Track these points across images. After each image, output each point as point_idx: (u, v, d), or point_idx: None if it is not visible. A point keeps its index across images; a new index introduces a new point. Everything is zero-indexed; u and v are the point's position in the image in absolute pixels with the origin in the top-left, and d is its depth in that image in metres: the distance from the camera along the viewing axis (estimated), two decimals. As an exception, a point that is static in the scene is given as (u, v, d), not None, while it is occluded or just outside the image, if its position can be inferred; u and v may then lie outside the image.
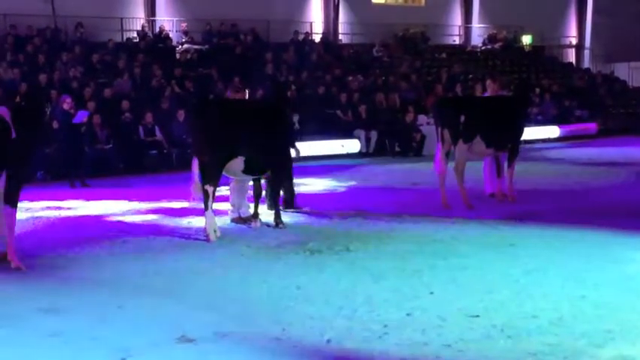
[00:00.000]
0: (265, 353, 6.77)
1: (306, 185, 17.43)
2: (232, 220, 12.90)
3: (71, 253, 10.90)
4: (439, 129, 14.04)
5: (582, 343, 6.79)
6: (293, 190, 13.95)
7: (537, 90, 30.67)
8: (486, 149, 14.21)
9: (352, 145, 25.02)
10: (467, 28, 38.52)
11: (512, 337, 6.96)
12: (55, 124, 18.77)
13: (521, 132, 15.05)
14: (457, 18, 38.54)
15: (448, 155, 14.06)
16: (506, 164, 14.62)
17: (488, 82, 15.95)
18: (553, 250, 10.43)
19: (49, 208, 14.79)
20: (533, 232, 11.74)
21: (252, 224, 12.55)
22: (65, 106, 18.27)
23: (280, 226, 12.44)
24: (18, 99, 20.41)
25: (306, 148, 22.39)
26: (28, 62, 24.19)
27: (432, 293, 8.51)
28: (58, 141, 18.96)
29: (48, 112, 17.62)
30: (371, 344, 6.91)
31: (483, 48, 36.86)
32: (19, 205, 10.33)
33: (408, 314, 7.73)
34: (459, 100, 15.86)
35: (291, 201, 13.93)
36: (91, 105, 20.85)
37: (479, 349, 6.71)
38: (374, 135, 25.26)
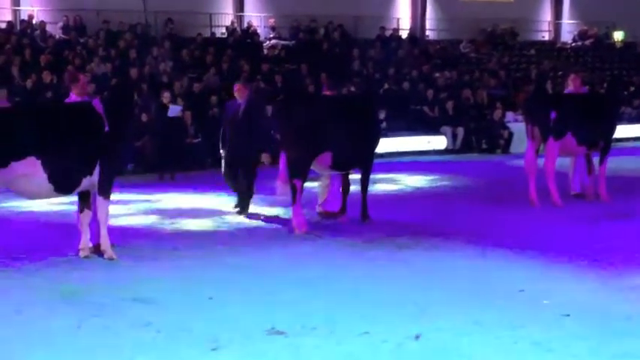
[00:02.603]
0: (354, 347, 6.76)
1: (393, 182, 17.37)
2: (320, 215, 12.91)
3: (159, 245, 11.05)
4: (529, 126, 13.86)
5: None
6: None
7: (632, 88, 29.94)
8: (577, 147, 13.96)
9: (438, 142, 24.80)
10: (557, 24, 37.83)
11: None
12: (144, 117, 19.10)
13: (613, 130, 14.75)
14: (547, 14, 37.89)
15: (538, 152, 13.88)
16: (597, 162, 14.35)
17: (572, 77, 15.68)
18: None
19: (138, 200, 15.02)
20: None
21: (339, 219, 12.56)
22: (164, 100, 18.69)
23: (367, 221, 12.42)
24: (108, 93, 20.80)
25: (392, 144, 22.43)
26: (120, 57, 24.60)
27: (522, 291, 8.41)
28: (151, 134, 19.28)
29: (138, 106, 18.07)
30: (460, 339, 6.87)
31: (573, 44, 36.16)
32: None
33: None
34: (550, 97, 15.62)
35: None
36: (181, 100, 21.18)
37: None
38: (461, 131, 25.01)
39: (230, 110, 13.68)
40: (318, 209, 13.02)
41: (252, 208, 13.38)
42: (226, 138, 13.43)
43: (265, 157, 13.60)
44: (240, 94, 13.50)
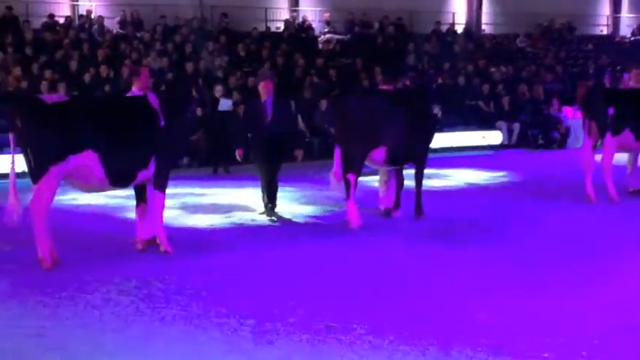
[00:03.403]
0: (407, 341, 6.75)
1: (447, 177, 17.29)
2: (384, 213, 12.80)
3: (213, 238, 11.16)
4: (587, 121, 13.70)
5: None
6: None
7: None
8: (635, 142, 13.77)
9: (494, 137, 24.64)
10: (615, 17, 37.34)
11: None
12: (199, 112, 19.25)
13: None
14: (605, 7, 37.42)
15: (595, 148, 13.72)
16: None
17: (634, 71, 15.42)
18: None
19: (192, 194, 15.14)
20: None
21: (394, 214, 12.53)
22: (216, 94, 18.83)
23: (421, 216, 12.38)
24: (164, 87, 21.02)
25: (447, 139, 22.30)
26: (176, 51, 24.80)
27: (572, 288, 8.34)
28: (204, 128, 19.43)
29: (195, 101, 18.20)
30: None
31: (632, 38, 35.64)
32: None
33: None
34: (608, 92, 15.39)
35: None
36: (237, 95, 21.33)
37: None
38: (516, 127, 24.81)
39: (254, 109, 13.09)
40: (381, 207, 12.93)
41: (303, 204, 13.40)
42: (251, 139, 13.04)
43: (299, 153, 13.48)
44: (266, 90, 12.87)
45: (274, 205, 12.94)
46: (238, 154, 13.10)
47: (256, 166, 13.17)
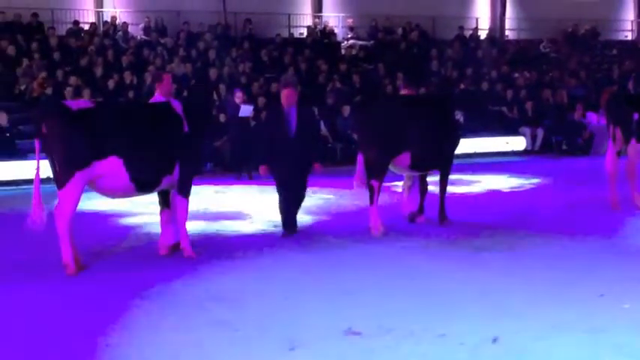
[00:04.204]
0: (430, 349, 6.74)
1: (471, 183, 17.26)
2: (408, 218, 12.78)
3: (237, 244, 11.17)
4: (611, 127, 13.62)
5: None
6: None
7: None
8: (661, 149, 13.66)
9: (517, 143, 24.58)
10: (640, 23, 37.21)
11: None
12: (222, 118, 19.29)
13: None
14: (629, 13, 37.21)
15: (619, 154, 13.63)
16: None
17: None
18: None
19: (216, 200, 15.19)
20: None
21: (417, 220, 12.51)
22: (237, 100, 18.86)
23: (445, 222, 12.35)
24: (186, 93, 21.11)
25: (470, 144, 22.24)
26: (200, 58, 24.91)
27: (602, 295, 8.29)
28: (227, 134, 19.49)
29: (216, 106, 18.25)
30: (538, 343, 6.79)
31: (657, 44, 35.48)
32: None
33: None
34: (632, 98, 15.29)
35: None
36: (262, 100, 21.42)
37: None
38: (540, 132, 24.73)
39: (276, 120, 11.69)
40: (405, 212, 12.90)
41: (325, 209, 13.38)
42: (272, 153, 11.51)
43: (318, 167, 11.80)
44: (290, 100, 11.56)
45: (293, 231, 11.74)
46: (261, 171, 11.69)
47: (277, 185, 11.72)
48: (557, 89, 27.05)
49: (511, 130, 24.83)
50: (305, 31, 29.33)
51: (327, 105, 23.13)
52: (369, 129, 11.88)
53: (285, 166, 11.41)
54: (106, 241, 11.31)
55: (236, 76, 23.70)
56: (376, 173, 11.72)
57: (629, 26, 37.04)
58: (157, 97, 10.83)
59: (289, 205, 11.63)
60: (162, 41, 25.76)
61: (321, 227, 12.39)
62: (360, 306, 8.00)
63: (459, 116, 12.96)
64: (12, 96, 21.52)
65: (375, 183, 11.67)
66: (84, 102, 10.76)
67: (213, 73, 23.08)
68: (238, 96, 19.00)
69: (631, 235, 11.43)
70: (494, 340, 6.88)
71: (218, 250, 10.68)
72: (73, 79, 21.25)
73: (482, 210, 13.83)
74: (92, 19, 27.14)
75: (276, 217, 12.05)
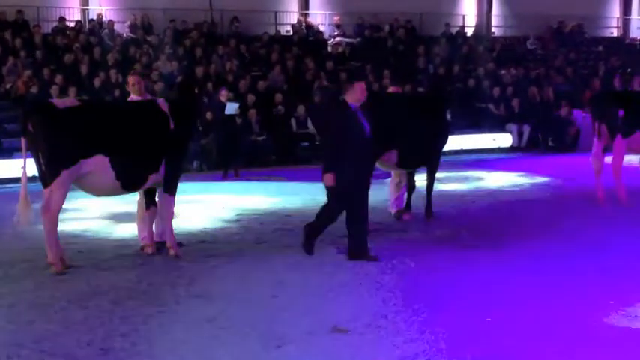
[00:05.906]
0: (416, 345, 6.75)
1: (458, 180, 17.30)
2: (395, 216, 12.79)
3: (223, 242, 11.17)
4: (596, 123, 13.66)
5: None
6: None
7: None
8: (646, 145, 13.73)
9: (504, 140, 24.62)
10: (625, 19, 37.26)
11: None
12: (209, 116, 19.25)
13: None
14: (615, 9, 37.32)
15: (605, 151, 13.68)
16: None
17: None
18: None
19: (202, 198, 15.15)
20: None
21: (404, 217, 12.53)
22: (222, 98, 18.81)
23: (430, 218, 12.37)
24: (173, 92, 21.04)
25: (457, 141, 22.24)
26: (186, 55, 24.85)
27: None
28: (214, 132, 19.46)
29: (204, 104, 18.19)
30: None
31: (642, 40, 35.58)
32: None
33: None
34: (617, 95, 15.35)
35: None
36: (251, 98, 21.41)
37: None
38: (526, 129, 24.78)
39: (345, 119, 10.01)
40: (390, 210, 12.92)
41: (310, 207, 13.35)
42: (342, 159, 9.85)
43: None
44: (364, 94, 10.15)
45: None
46: (328, 181, 9.88)
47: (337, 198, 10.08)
48: (544, 86, 27.10)
49: (498, 127, 24.87)
50: (291, 29, 29.29)
51: (313, 102, 23.09)
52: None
53: (361, 173, 9.94)
54: (92, 240, 11.30)
55: (223, 74, 23.65)
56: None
57: (614, 23, 37.14)
58: (133, 97, 10.87)
59: (333, 218, 10.21)
60: (148, 39, 25.65)
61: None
62: (347, 303, 8.01)
63: (447, 115, 12.99)
64: (-3, 94, 21.44)
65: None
66: (70, 100, 10.75)
67: (199, 71, 23.02)
68: (223, 94, 18.92)
69: (613, 232, 11.41)
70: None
71: (204, 249, 10.68)
72: (58, 78, 21.16)
73: (468, 207, 13.85)
74: (78, 16, 27.00)
75: (261, 216, 12.01)
